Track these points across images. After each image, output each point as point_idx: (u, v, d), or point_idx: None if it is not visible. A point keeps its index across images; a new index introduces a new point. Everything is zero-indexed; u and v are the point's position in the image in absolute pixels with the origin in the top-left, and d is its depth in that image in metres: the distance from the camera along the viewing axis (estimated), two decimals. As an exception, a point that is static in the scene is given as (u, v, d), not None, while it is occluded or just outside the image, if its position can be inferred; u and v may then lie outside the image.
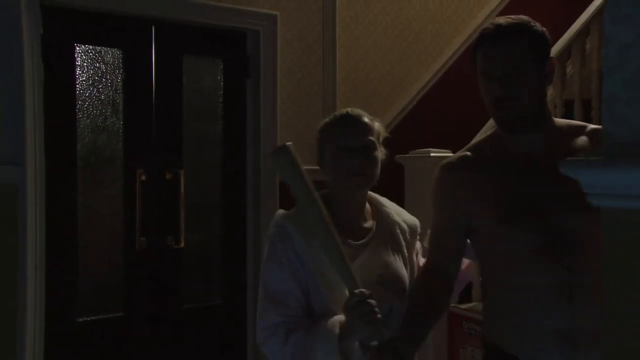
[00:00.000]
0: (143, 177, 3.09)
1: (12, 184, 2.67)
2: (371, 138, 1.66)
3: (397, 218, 1.75)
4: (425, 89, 3.95)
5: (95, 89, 3.03)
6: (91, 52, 3.02)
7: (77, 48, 2.97)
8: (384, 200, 1.80)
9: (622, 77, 0.87)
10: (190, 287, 3.26)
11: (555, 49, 3.66)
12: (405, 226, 1.75)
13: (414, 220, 1.80)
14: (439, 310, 1.65)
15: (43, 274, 2.77)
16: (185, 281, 3.23)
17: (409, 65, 3.92)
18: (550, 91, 3.75)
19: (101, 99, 3.05)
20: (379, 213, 1.74)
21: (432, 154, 2.77)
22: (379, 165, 1.68)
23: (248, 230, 3.37)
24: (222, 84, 3.36)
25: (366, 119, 1.68)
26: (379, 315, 1.47)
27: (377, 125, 1.71)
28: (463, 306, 2.97)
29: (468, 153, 1.61)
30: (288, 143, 1.47)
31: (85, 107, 3.00)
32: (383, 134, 1.73)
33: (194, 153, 3.27)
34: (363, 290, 1.48)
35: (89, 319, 2.97)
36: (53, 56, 2.85)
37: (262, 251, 1.78)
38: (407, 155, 3.00)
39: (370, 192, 1.76)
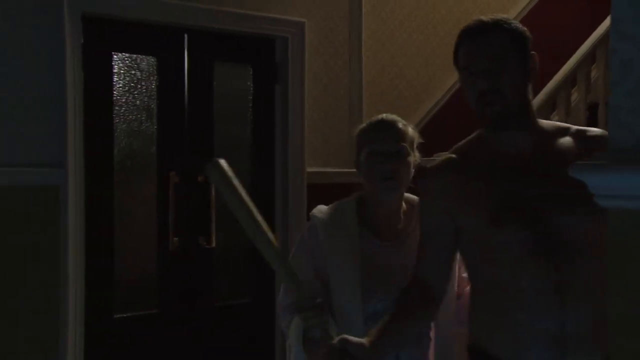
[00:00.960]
0: (176, 180, 3.21)
1: (54, 185, 2.82)
2: (404, 144, 1.74)
3: None
4: (449, 93, 4.01)
5: (131, 95, 3.17)
6: (127, 60, 3.15)
7: (115, 56, 3.11)
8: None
9: (626, 88, 0.95)
10: (221, 285, 3.37)
11: (579, 53, 3.71)
12: None
13: None
14: (417, 319, 1.61)
15: (83, 271, 2.91)
16: (215, 280, 3.35)
17: (434, 69, 3.99)
18: (574, 95, 3.81)
19: (136, 104, 3.18)
20: (415, 214, 1.78)
21: (455, 157, 2.84)
22: (412, 170, 1.76)
23: (276, 230, 3.48)
24: (251, 89, 3.47)
25: (400, 125, 1.77)
26: (325, 318, 1.51)
27: (410, 131, 1.79)
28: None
29: (453, 155, 1.59)
30: (220, 160, 1.46)
31: (122, 113, 3.14)
32: (417, 139, 1.81)
33: (225, 156, 3.36)
34: (308, 296, 1.51)
35: (125, 315, 3.11)
36: (92, 64, 2.99)
37: (291, 250, 1.89)
38: (431, 158, 3.07)
39: (407, 194, 1.83)
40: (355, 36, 3.66)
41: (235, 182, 1.44)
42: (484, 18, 1.48)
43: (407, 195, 1.84)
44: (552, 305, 1.41)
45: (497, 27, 1.46)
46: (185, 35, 3.26)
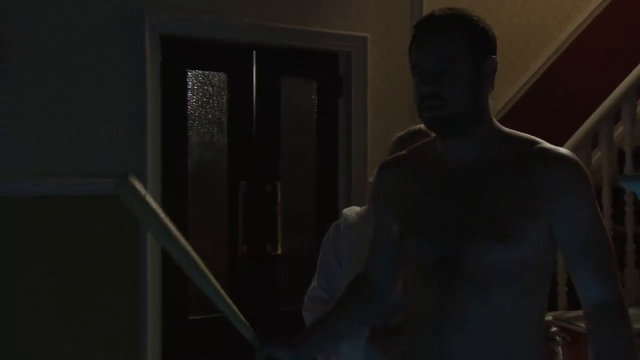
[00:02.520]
0: (245, 189, 3.38)
1: (134, 195, 3.03)
2: None
3: None
4: (511, 102, 4.03)
5: (204, 109, 3.36)
6: (200, 77, 3.35)
7: (189, 73, 3.31)
8: None
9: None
10: (287, 291, 3.51)
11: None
12: None
13: None
14: (351, 317, 1.51)
15: (160, 275, 3.11)
16: (282, 285, 3.49)
17: (495, 80, 4.01)
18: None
19: (208, 118, 3.37)
20: None
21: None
22: None
23: (340, 239, 3.59)
24: (316, 102, 3.62)
25: None
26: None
27: None
28: (548, 314, 3.04)
29: (404, 152, 1.50)
30: (130, 177, 1.26)
31: (195, 126, 3.34)
32: None
33: (291, 166, 3.55)
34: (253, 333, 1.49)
35: (198, 317, 3.28)
36: (169, 81, 3.20)
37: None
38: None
39: None
40: (416, 49, 3.74)
41: (153, 203, 1.25)
42: (436, 12, 1.34)
43: None
44: (429, 334, 1.31)
45: (452, 25, 1.30)
46: (254, 52, 3.43)
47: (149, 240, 3.04)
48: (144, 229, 3.03)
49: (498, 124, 1.38)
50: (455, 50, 1.28)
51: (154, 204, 1.25)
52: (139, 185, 1.23)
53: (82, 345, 2.93)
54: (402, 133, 1.83)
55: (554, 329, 1.88)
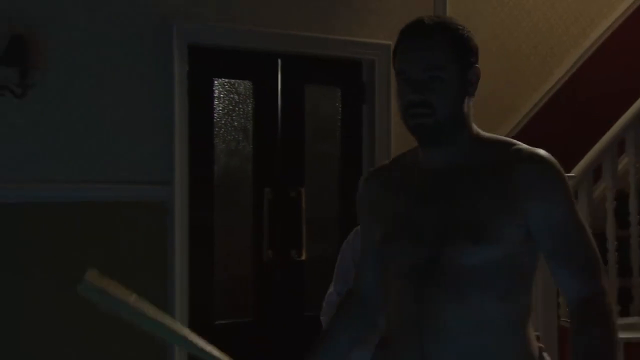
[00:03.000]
0: (270, 196, 3.43)
1: (163, 201, 3.09)
2: None
3: None
4: (534, 109, 4.03)
5: (230, 117, 3.42)
6: (226, 85, 3.41)
7: (215, 81, 3.37)
8: None
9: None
10: (311, 296, 3.54)
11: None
12: None
13: None
14: (350, 340, 1.52)
15: (187, 280, 3.16)
16: (306, 291, 3.52)
17: (519, 87, 4.02)
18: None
19: (234, 125, 3.43)
20: None
21: (541, 173, 2.87)
22: None
23: (364, 245, 3.61)
24: (340, 109, 3.66)
25: None
26: None
27: None
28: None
29: (387, 162, 1.53)
30: (89, 274, 1.28)
31: (221, 134, 3.39)
32: None
33: (315, 173, 3.59)
34: None
35: (224, 322, 3.33)
36: (196, 89, 3.26)
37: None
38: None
39: None
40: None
41: (119, 293, 1.27)
42: (426, 20, 1.34)
43: None
44: (411, 341, 1.31)
45: (440, 32, 1.31)
46: (279, 60, 3.48)
47: (176, 246, 3.10)
48: (174, 233, 3.10)
49: (477, 128, 1.40)
50: (444, 59, 1.29)
51: (121, 293, 1.27)
52: (99, 281, 1.25)
53: (111, 349, 2.99)
54: None
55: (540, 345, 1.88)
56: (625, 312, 3.24)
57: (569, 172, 3.08)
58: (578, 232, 1.31)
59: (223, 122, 3.40)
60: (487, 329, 1.28)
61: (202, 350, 1.34)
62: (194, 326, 3.15)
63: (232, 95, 3.43)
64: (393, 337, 1.40)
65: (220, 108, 3.40)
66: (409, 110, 1.30)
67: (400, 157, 1.50)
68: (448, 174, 1.34)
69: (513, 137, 4.26)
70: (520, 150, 1.32)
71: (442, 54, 1.30)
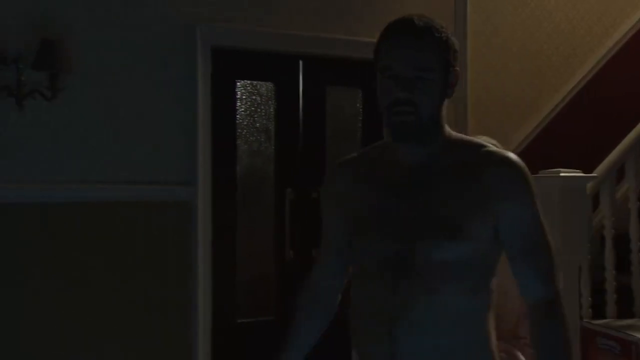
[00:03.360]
0: (291, 196, 3.46)
1: (186, 201, 3.15)
2: None
3: None
4: (556, 110, 4.02)
5: (252, 118, 3.46)
6: (249, 86, 3.46)
7: (238, 83, 3.42)
8: None
9: None
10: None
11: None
12: None
13: None
14: (316, 331, 1.58)
15: (210, 279, 3.21)
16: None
17: (541, 86, 4.02)
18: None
19: (256, 126, 3.47)
20: None
21: (562, 174, 2.86)
22: None
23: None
24: (361, 110, 3.68)
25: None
26: None
27: None
28: (596, 322, 3.02)
29: (355, 155, 1.53)
30: None
31: (244, 134, 3.44)
32: None
33: (336, 174, 3.60)
34: None
35: (246, 320, 3.38)
36: (219, 91, 3.31)
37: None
38: (537, 175, 3.11)
39: None
40: (460, 56, 3.76)
41: None
42: (416, 20, 1.35)
43: None
44: (383, 334, 1.33)
45: (430, 34, 1.33)
46: (300, 62, 3.52)
47: (200, 245, 3.15)
48: (197, 232, 3.15)
49: (449, 129, 1.42)
50: (432, 61, 1.32)
51: None
52: None
53: (136, 346, 3.05)
54: None
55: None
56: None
57: (591, 172, 3.08)
58: (543, 235, 1.37)
59: (245, 123, 3.44)
60: (457, 323, 1.32)
61: None
62: (216, 324, 3.22)
63: (254, 97, 3.47)
64: (361, 329, 1.41)
65: (243, 109, 3.44)
66: (394, 108, 1.32)
67: (366, 152, 1.52)
68: (422, 170, 1.37)
69: (536, 138, 4.24)
70: (491, 152, 1.36)
71: (431, 56, 1.32)
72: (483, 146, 1.38)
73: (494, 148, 1.38)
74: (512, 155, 1.37)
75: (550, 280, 1.36)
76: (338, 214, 1.48)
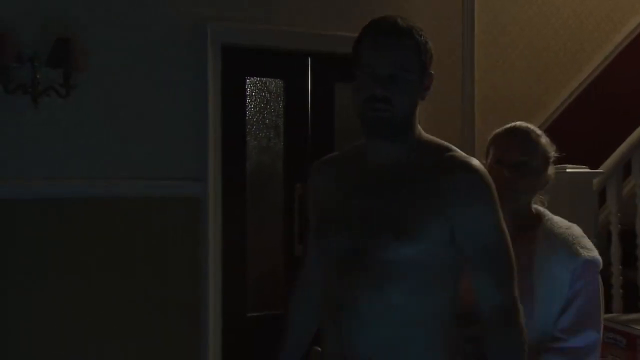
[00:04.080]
0: (300, 191, 3.50)
1: (197, 197, 3.20)
2: (531, 157, 1.66)
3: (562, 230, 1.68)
4: (562, 106, 4.04)
5: (261, 115, 3.51)
6: (258, 83, 3.50)
7: (247, 80, 3.46)
8: (556, 218, 1.72)
9: None
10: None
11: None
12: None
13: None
14: (310, 329, 1.62)
15: (220, 274, 3.26)
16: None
17: (547, 84, 4.03)
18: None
19: (266, 123, 3.52)
20: (544, 228, 1.69)
21: (568, 170, 2.89)
22: (538, 185, 1.69)
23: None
24: (369, 107, 3.71)
25: (532, 135, 1.69)
26: None
27: (544, 142, 1.71)
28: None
29: (336, 153, 1.58)
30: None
31: (253, 131, 3.48)
32: (553, 152, 1.73)
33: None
34: None
35: (255, 314, 3.43)
36: (229, 88, 3.35)
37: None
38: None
39: (539, 208, 1.73)
40: (467, 55, 3.80)
41: None
42: (399, 21, 1.38)
43: (539, 209, 1.74)
44: (336, 325, 1.38)
45: (411, 36, 1.37)
46: (309, 59, 3.55)
47: (210, 240, 3.20)
48: (207, 227, 3.19)
49: (421, 130, 1.45)
50: (411, 61, 1.36)
51: None
52: None
53: (147, 340, 3.10)
54: (498, 130, 1.76)
55: None
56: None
57: (597, 168, 3.11)
58: (501, 242, 1.36)
59: (255, 119, 3.49)
60: (403, 322, 1.34)
61: None
62: (226, 318, 3.27)
63: (263, 94, 3.51)
64: (323, 323, 1.48)
65: (252, 106, 3.48)
66: (370, 103, 1.35)
67: (346, 150, 1.56)
68: (387, 170, 1.40)
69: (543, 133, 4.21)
70: (453, 157, 1.38)
71: (410, 57, 1.36)
72: (448, 150, 1.40)
73: (458, 152, 1.40)
74: (475, 162, 1.37)
75: (506, 287, 1.35)
76: (314, 210, 1.54)
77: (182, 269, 3.17)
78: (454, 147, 1.42)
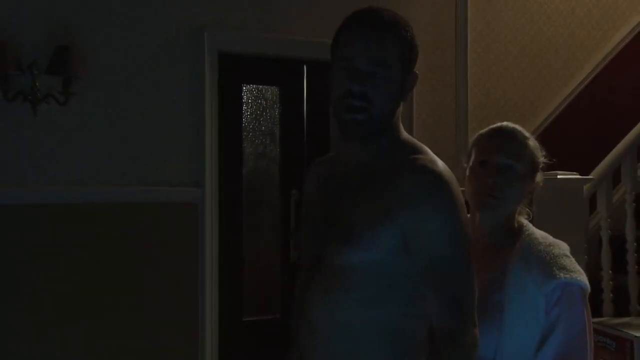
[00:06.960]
0: (296, 197, 3.53)
1: (194, 203, 3.23)
2: (516, 160, 1.48)
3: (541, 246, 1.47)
4: (555, 112, 4.09)
5: (258, 122, 3.55)
6: (254, 91, 3.54)
7: (244, 87, 3.50)
8: (539, 233, 1.52)
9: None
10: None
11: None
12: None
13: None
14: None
15: (217, 278, 3.29)
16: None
17: (540, 90, 4.09)
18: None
19: (262, 130, 3.56)
20: (522, 243, 1.48)
21: (559, 176, 2.93)
22: (524, 191, 1.50)
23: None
24: (364, 114, 3.75)
25: (519, 137, 1.51)
26: None
27: (532, 145, 1.53)
28: (593, 320, 3.08)
29: (332, 154, 1.51)
30: None
31: (249, 137, 3.53)
32: (541, 157, 1.56)
33: (339, 176, 3.68)
34: None
35: (252, 319, 3.46)
36: (226, 95, 3.40)
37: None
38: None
39: (522, 220, 1.54)
40: (461, 62, 3.86)
41: None
42: (384, 13, 1.27)
43: (521, 220, 1.54)
44: (295, 340, 1.35)
45: (395, 30, 1.25)
46: (305, 67, 3.60)
47: (207, 245, 3.23)
48: (204, 233, 3.23)
49: (402, 132, 1.34)
50: (392, 58, 1.25)
51: None
52: None
53: (144, 345, 3.13)
54: (483, 130, 1.58)
55: None
56: (645, 312, 3.29)
57: (588, 174, 3.15)
58: (455, 257, 1.21)
59: (251, 126, 3.53)
60: (352, 332, 1.24)
61: None
62: (223, 322, 3.30)
63: (259, 101, 3.56)
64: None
65: (249, 113, 3.53)
66: (345, 100, 1.24)
67: (338, 152, 1.47)
68: (355, 172, 1.30)
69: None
70: (416, 159, 1.25)
71: (392, 52, 1.25)
72: (416, 152, 1.28)
73: (425, 156, 1.27)
74: (433, 165, 1.24)
75: (454, 307, 1.20)
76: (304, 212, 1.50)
77: (179, 273, 3.21)
78: (426, 150, 1.30)
